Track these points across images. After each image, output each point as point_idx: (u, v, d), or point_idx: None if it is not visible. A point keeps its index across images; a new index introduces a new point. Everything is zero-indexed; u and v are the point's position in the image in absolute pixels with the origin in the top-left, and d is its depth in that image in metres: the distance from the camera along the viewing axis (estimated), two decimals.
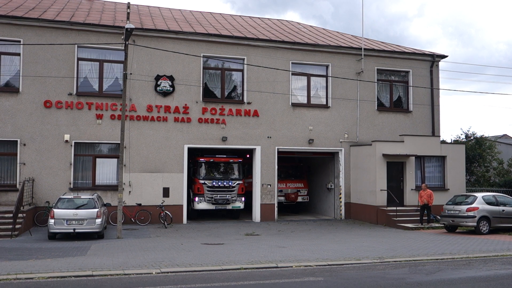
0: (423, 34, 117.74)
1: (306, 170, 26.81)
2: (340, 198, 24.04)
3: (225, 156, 22.96)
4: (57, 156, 20.06)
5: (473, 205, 18.65)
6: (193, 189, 22.42)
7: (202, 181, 22.01)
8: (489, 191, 25.11)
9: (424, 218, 20.57)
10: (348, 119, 24.07)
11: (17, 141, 19.71)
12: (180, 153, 21.56)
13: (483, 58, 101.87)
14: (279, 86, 23.03)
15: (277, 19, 30.41)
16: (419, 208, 20.91)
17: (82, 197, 16.68)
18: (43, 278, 10.14)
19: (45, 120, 20.02)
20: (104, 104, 20.71)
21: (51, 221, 15.75)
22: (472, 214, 18.47)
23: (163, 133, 21.38)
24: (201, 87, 22.04)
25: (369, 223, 22.25)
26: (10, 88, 19.99)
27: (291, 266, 11.80)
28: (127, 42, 17.27)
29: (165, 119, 21.43)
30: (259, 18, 29.82)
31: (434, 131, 25.22)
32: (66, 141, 20.16)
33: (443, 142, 26.60)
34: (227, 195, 22.13)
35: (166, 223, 19.78)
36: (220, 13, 29.28)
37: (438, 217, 20.53)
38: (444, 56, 25.82)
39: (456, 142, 32.78)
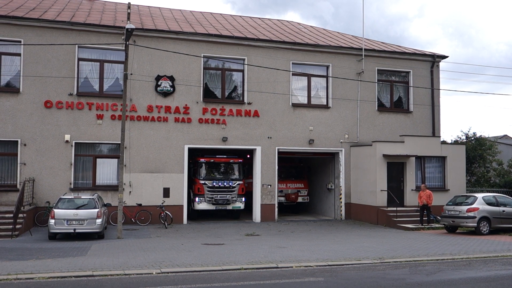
0: (424, 34, 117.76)
1: (307, 171, 26.81)
2: (341, 198, 24.04)
3: (225, 156, 22.96)
4: (58, 156, 20.07)
5: (473, 206, 18.65)
6: (193, 190, 22.42)
7: (202, 182, 22.01)
8: (489, 192, 25.09)
9: (424, 218, 20.57)
10: (348, 120, 24.08)
11: (17, 141, 19.73)
12: (180, 153, 21.57)
13: (483, 59, 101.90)
14: (280, 87, 23.04)
15: (278, 20, 30.43)
16: (419, 209, 20.91)
17: (82, 197, 16.70)
18: (43, 278, 10.15)
19: (45, 120, 20.04)
20: (104, 105, 20.73)
21: (52, 221, 15.76)
22: (472, 215, 18.47)
23: (163, 133, 21.39)
24: (202, 88, 22.05)
25: (370, 223, 22.25)
26: (10, 88, 20.00)
27: (291, 267, 11.80)
28: (127, 43, 17.28)
29: (165, 119, 21.44)
30: (259, 18, 29.83)
31: (435, 131, 25.22)
32: (67, 141, 20.17)
33: (444, 142, 26.60)
34: (228, 196, 22.14)
35: (166, 224, 19.79)
36: (221, 13, 29.30)
37: (438, 217, 20.53)
38: (444, 57, 25.82)
39: (456, 142, 32.77)
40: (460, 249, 14.78)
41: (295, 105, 23.39)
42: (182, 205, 21.45)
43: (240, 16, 29.66)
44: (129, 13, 17.97)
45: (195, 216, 22.72)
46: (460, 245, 15.68)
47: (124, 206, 19.04)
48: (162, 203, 20.40)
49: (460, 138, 33.82)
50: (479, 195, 19.32)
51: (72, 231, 15.87)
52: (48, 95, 20.13)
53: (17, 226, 16.68)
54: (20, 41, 19.91)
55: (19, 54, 20.01)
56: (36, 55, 20.04)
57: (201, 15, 27.41)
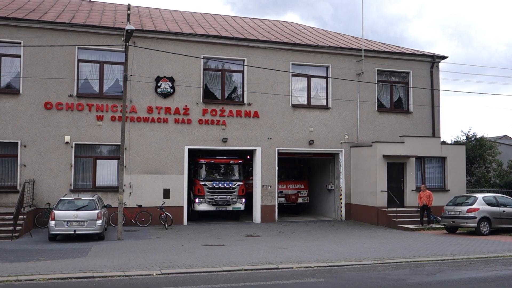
0: (423, 35, 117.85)
1: (307, 171, 26.81)
2: (341, 199, 24.03)
3: (225, 157, 22.97)
4: (58, 157, 20.07)
5: (473, 206, 18.65)
6: (193, 191, 22.42)
7: (202, 182, 22.01)
8: (489, 192, 25.09)
9: (424, 219, 20.57)
10: (348, 120, 24.08)
11: (17, 142, 19.73)
12: (180, 154, 21.57)
13: (483, 59, 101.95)
14: (279, 87, 23.04)
15: (277, 20, 30.45)
16: (419, 209, 20.91)
17: (82, 198, 16.70)
18: (43, 279, 10.15)
19: (45, 121, 20.04)
20: (104, 106, 20.73)
21: (52, 222, 15.76)
22: (472, 215, 18.47)
23: (163, 134, 21.39)
24: (201, 89, 22.06)
25: (370, 224, 22.25)
26: (10, 90, 20.01)
27: (292, 267, 11.81)
28: (127, 44, 17.29)
29: (165, 120, 21.44)
30: (259, 19, 29.86)
31: (435, 132, 25.23)
32: (67, 142, 20.17)
33: (444, 143, 26.60)
34: (228, 196, 22.14)
35: (166, 225, 19.78)
36: (220, 15, 29.32)
37: (438, 218, 20.53)
38: (444, 57, 25.83)
39: (456, 143, 32.76)
40: (460, 250, 14.78)
41: (295, 106, 23.39)
42: (182, 206, 21.45)
43: (239, 17, 29.67)
44: (128, 14, 17.98)
45: (195, 217, 22.71)
46: (461, 246, 15.67)
47: (124, 207, 19.04)
48: (162, 204, 20.40)
49: (460, 138, 33.83)
50: (479, 196, 19.32)
51: (72, 232, 15.87)
52: (48, 96, 20.13)
53: (17, 228, 16.69)
54: (20, 43, 19.92)
55: (19, 56, 20.02)
56: (36, 56, 20.05)
57: (200, 16, 27.43)
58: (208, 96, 22.41)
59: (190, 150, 22.00)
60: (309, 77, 23.87)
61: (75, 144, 20.35)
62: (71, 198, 16.62)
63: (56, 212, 15.86)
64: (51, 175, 19.93)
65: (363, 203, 22.98)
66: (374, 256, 13.47)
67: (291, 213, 26.10)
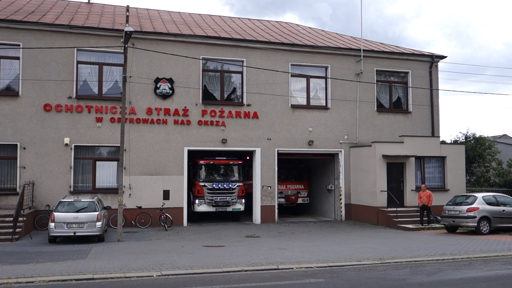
0: (422, 35, 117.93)
1: (306, 172, 26.81)
2: (340, 199, 24.04)
3: (225, 158, 22.97)
4: (57, 159, 20.07)
5: (473, 206, 18.65)
6: (193, 192, 22.42)
7: (202, 184, 22.01)
8: (489, 191, 25.11)
9: (424, 218, 20.57)
10: (347, 120, 24.09)
11: (17, 144, 19.72)
12: (180, 155, 21.57)
13: (481, 59, 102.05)
14: (279, 88, 23.05)
15: (276, 21, 30.46)
16: (419, 209, 20.91)
17: (82, 200, 16.71)
18: (44, 281, 10.15)
19: (45, 123, 20.03)
20: (103, 107, 20.73)
21: (52, 224, 15.74)
22: (472, 215, 18.48)
23: (163, 135, 21.39)
24: (201, 90, 22.06)
25: (370, 224, 22.25)
26: (9, 92, 20.00)
27: (292, 268, 11.80)
28: (126, 45, 17.29)
29: (164, 121, 21.44)
30: (258, 20, 29.86)
31: (434, 131, 25.24)
32: (66, 144, 20.17)
33: (443, 142, 26.63)
34: (227, 197, 22.13)
35: (166, 226, 19.77)
36: (219, 16, 29.32)
37: (438, 217, 20.54)
38: (443, 57, 25.85)
39: (455, 142, 32.78)
40: (460, 249, 14.78)
41: (294, 106, 23.40)
42: (182, 207, 21.44)
43: (238, 18, 29.67)
44: (127, 16, 17.98)
45: (195, 218, 22.70)
46: (461, 245, 15.68)
47: (124, 209, 19.02)
48: (162, 206, 20.39)
49: (459, 138, 33.85)
50: (479, 195, 19.33)
51: (72, 234, 15.86)
52: (47, 98, 20.13)
53: (17, 230, 16.67)
54: (19, 45, 19.91)
55: (18, 58, 20.01)
56: (35, 58, 20.04)
57: (199, 17, 27.44)
58: (207, 97, 22.41)
59: (189, 151, 22.00)
60: (308, 77, 23.88)
61: (75, 145, 20.34)
62: (70, 200, 16.62)
63: (56, 214, 15.85)
64: (50, 177, 19.92)
65: (363, 203, 22.98)
66: (374, 256, 13.47)
67: (291, 213, 26.09)
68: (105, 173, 20.90)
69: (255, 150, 22.77)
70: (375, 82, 24.66)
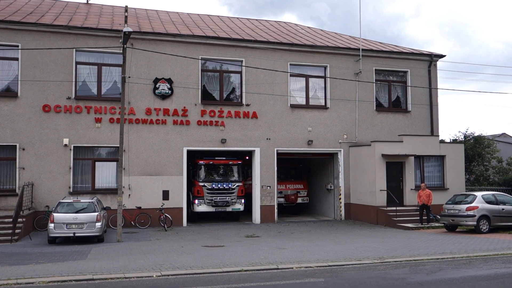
0: (420, 34, 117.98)
1: (306, 171, 26.81)
2: (340, 198, 24.04)
3: (224, 158, 22.97)
4: (56, 160, 20.05)
5: (472, 204, 18.67)
6: (192, 192, 22.41)
7: (201, 184, 22.01)
8: (488, 190, 25.12)
9: (424, 217, 20.58)
10: (347, 120, 24.10)
11: (16, 145, 19.70)
12: (179, 155, 21.56)
13: (480, 58, 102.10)
14: (278, 88, 23.05)
15: (275, 21, 30.45)
16: (418, 208, 20.92)
17: (81, 201, 16.69)
18: (43, 282, 10.14)
19: (44, 124, 20.02)
20: (102, 108, 20.72)
21: (51, 225, 15.73)
22: (472, 213, 18.49)
23: (162, 136, 21.38)
24: (200, 90, 22.06)
25: (369, 223, 22.26)
26: (8, 93, 19.99)
27: (292, 268, 11.81)
28: (125, 46, 17.27)
29: (164, 122, 21.44)
30: (256, 20, 29.85)
31: (433, 130, 25.25)
32: (65, 145, 20.15)
33: (442, 141, 26.63)
34: (227, 197, 22.13)
35: (166, 226, 19.76)
36: (218, 16, 29.31)
37: (438, 216, 20.54)
38: (441, 56, 25.86)
39: (455, 141, 32.79)
40: (460, 248, 14.79)
41: (294, 106, 23.40)
42: (182, 208, 21.43)
43: (237, 18, 29.66)
44: (126, 16, 17.97)
45: (195, 218, 22.69)
46: (460, 244, 15.69)
47: (124, 209, 19.02)
48: (162, 206, 20.39)
49: (458, 138, 33.86)
50: (479, 194, 19.35)
51: (72, 235, 15.84)
52: (46, 99, 20.11)
53: (17, 231, 16.66)
54: (17, 46, 19.89)
55: (16, 59, 19.99)
56: (34, 59, 20.03)
57: (198, 18, 27.43)
58: (206, 97, 22.41)
59: (189, 151, 21.99)
60: (307, 77, 23.88)
61: (74, 146, 20.33)
62: (70, 201, 16.60)
63: (55, 214, 15.83)
64: (50, 178, 19.90)
65: (363, 202, 22.99)
66: (374, 255, 13.47)
67: (290, 213, 26.09)
68: (105, 174, 20.89)
69: (254, 150, 22.77)
70: (374, 81, 24.67)
